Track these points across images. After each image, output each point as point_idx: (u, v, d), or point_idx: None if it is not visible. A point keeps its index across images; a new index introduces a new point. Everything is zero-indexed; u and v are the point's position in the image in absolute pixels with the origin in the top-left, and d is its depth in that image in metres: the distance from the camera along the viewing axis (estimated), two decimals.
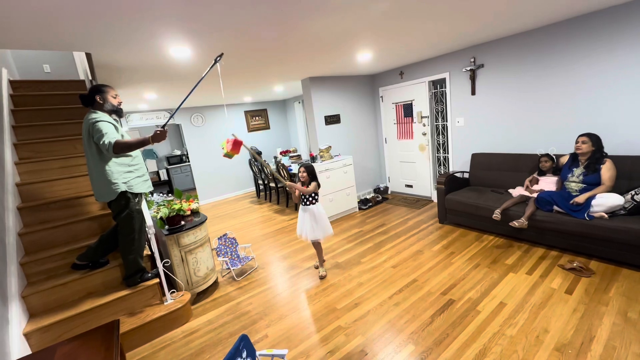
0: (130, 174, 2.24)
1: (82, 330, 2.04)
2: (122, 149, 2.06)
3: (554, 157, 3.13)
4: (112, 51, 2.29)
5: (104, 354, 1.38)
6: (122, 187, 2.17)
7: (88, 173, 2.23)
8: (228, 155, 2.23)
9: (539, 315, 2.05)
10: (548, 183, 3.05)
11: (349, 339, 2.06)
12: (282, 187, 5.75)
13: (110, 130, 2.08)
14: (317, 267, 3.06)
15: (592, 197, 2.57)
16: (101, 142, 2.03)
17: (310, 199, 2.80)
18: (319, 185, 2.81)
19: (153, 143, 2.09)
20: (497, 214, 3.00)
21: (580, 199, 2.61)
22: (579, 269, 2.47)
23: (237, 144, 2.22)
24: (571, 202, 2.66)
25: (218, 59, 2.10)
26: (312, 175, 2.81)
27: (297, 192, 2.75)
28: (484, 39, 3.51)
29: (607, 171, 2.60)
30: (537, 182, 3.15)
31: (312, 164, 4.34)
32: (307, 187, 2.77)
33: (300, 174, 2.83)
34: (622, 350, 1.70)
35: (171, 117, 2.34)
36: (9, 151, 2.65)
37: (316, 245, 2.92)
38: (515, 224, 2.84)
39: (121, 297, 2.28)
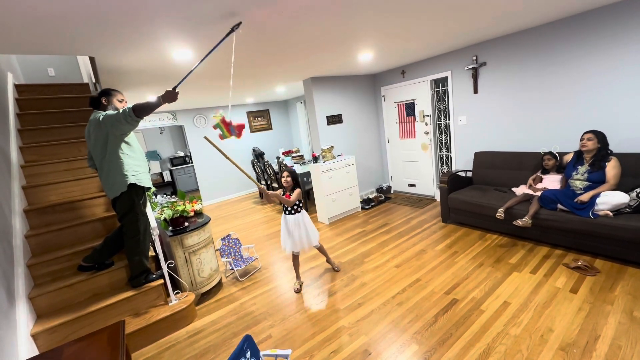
0: (138, 167, 2.28)
1: (88, 331, 2.06)
2: (140, 111, 2.05)
3: (557, 155, 3.11)
4: (115, 55, 2.31)
5: (110, 354, 1.40)
6: (132, 180, 2.20)
7: (98, 171, 2.26)
8: (223, 133, 2.06)
9: (543, 315, 2.04)
10: (552, 181, 3.03)
11: (353, 339, 2.06)
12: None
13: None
14: (336, 270, 3.02)
15: (597, 196, 2.55)
16: (121, 112, 2.05)
17: (296, 207, 2.67)
18: (301, 192, 2.67)
19: (164, 103, 2.07)
20: (500, 213, 2.99)
21: (585, 197, 2.59)
22: (584, 268, 2.45)
23: (239, 127, 2.05)
24: (575, 200, 2.65)
25: (235, 28, 1.89)
26: (296, 181, 2.67)
27: (276, 200, 2.57)
28: (486, 37, 3.49)
29: (612, 169, 2.58)
30: (540, 180, 3.13)
31: (315, 164, 4.35)
32: (290, 195, 2.60)
33: (284, 179, 2.64)
34: (627, 349, 1.68)
35: (180, 82, 2.10)
36: (15, 154, 2.69)
37: (320, 248, 2.90)
38: (519, 222, 2.82)
39: (126, 298, 2.31)
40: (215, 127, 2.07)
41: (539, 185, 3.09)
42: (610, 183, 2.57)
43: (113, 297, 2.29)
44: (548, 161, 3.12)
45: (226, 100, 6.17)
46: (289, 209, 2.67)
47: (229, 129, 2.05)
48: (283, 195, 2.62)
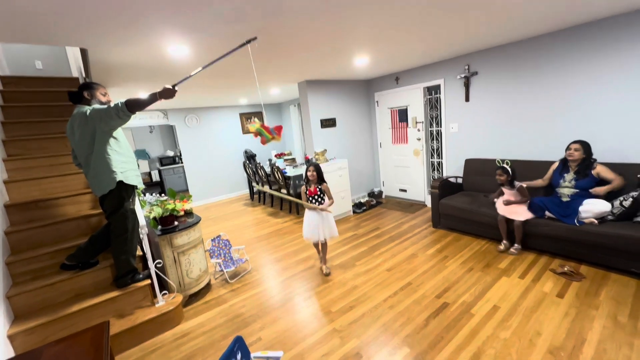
0: (125, 164, 2.20)
1: (69, 333, 1.97)
2: (134, 106, 1.98)
3: (510, 170, 3.04)
4: (107, 47, 2.25)
5: (93, 356, 1.34)
6: (120, 177, 2.13)
7: (84, 168, 2.17)
8: (265, 136, 2.17)
9: (531, 319, 2.07)
10: (509, 196, 3.05)
11: (344, 342, 2.04)
12: (276, 190, 5.72)
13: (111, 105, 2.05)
14: (326, 274, 3.00)
15: (580, 204, 2.64)
16: (112, 106, 1.98)
17: (320, 198, 2.88)
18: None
19: (160, 99, 2.01)
20: (503, 246, 3.09)
21: (600, 190, 2.61)
22: (570, 273, 2.51)
23: (278, 129, 2.17)
24: (591, 190, 2.66)
25: (249, 41, 1.93)
26: (320, 175, 2.87)
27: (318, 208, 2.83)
28: (478, 47, 3.58)
29: (606, 171, 2.66)
30: (502, 194, 3.15)
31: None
32: (317, 188, 2.84)
33: (309, 174, 2.85)
34: (612, 352, 1.72)
35: (181, 82, 2.07)
36: None
37: (324, 245, 3.03)
38: (513, 251, 2.99)
39: (111, 299, 2.23)
40: (256, 134, 2.18)
41: (501, 200, 3.09)
42: (617, 179, 2.60)
43: (97, 297, 2.21)
44: (499, 177, 3.06)
45: (219, 101, 6.12)
46: (317, 201, 2.88)
47: (270, 132, 2.17)
48: (307, 189, 2.90)
